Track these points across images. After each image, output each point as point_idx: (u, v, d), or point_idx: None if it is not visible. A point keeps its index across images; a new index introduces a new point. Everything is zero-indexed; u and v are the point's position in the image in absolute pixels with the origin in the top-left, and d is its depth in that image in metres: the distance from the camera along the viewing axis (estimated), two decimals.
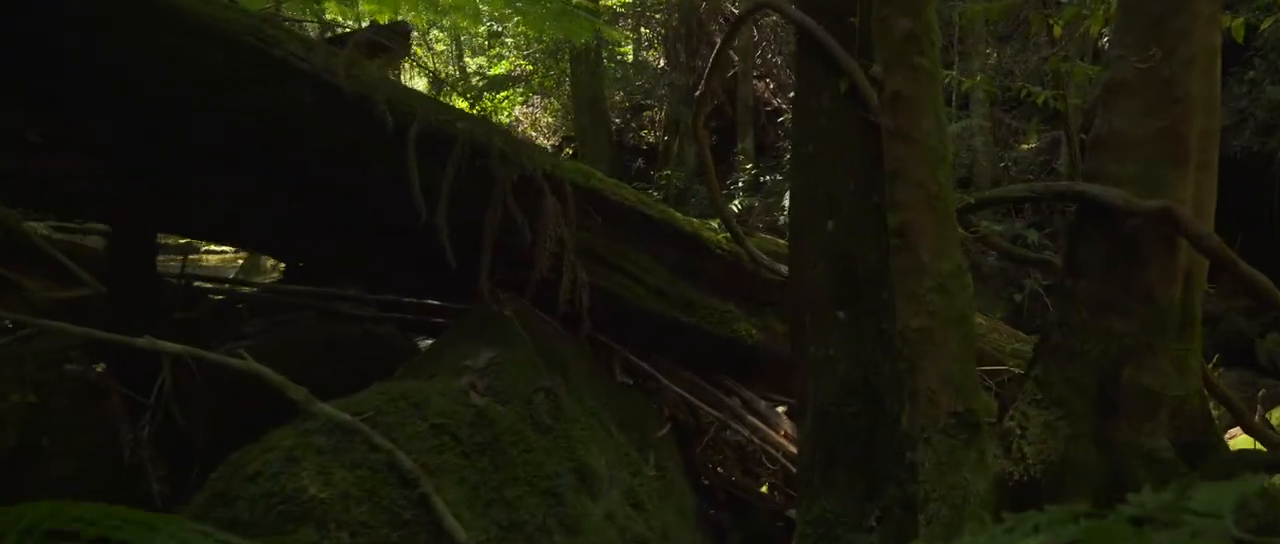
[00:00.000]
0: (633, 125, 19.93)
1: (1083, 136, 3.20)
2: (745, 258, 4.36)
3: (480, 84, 20.26)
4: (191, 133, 3.17)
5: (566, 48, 17.46)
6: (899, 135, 1.90)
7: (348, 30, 4.63)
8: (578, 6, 5.56)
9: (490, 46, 22.17)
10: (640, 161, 19.04)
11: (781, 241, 5.75)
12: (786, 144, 15.58)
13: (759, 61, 16.60)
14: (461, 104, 19.29)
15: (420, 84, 24.74)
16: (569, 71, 17.62)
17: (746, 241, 4.41)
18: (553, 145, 21.55)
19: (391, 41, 4.36)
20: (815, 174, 3.24)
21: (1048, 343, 2.85)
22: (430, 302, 4.33)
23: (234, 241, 4.41)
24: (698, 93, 4.08)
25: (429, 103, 3.46)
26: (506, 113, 19.43)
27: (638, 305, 3.96)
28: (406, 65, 26.16)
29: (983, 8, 5.00)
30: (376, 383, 2.88)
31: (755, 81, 16.32)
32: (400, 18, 4.93)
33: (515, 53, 21.00)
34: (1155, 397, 2.71)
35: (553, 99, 20.98)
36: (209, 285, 4.24)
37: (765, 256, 4.39)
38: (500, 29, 20.65)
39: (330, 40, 3.72)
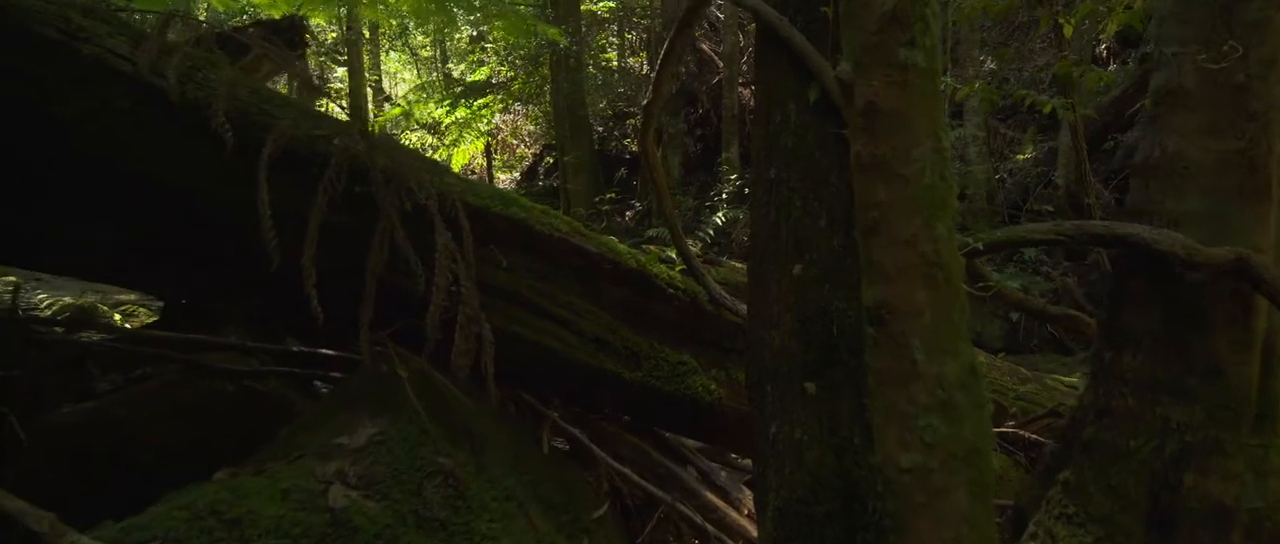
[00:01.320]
0: (615, 134, 19.36)
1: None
2: (704, 297, 3.66)
3: (459, 90, 19.63)
4: None
5: (547, 54, 16.90)
6: (877, 168, 1.22)
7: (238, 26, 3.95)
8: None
9: (472, 52, 21.57)
10: (623, 171, 18.44)
11: None
12: None
13: (745, 67, 15.99)
14: (440, 111, 18.68)
15: (403, 88, 24.04)
16: (550, 78, 17.02)
17: (705, 277, 3.72)
18: (534, 154, 20.95)
19: (277, 42, 3.67)
20: (779, 205, 2.54)
21: (1080, 436, 2.15)
22: (328, 351, 3.62)
23: (58, 270, 3.70)
24: (646, 100, 3.38)
25: (299, 113, 2.76)
26: (486, 120, 18.83)
27: (570, 358, 3.26)
28: (393, 69, 25.38)
29: (981, 2, 4.32)
30: (176, 494, 2.17)
31: (741, 88, 15.71)
32: (297, 14, 4.25)
33: (495, 59, 20.43)
34: (1226, 511, 2.03)
35: (534, 107, 20.40)
36: (58, 331, 3.54)
37: (728, 297, 3.70)
38: (480, 32, 20.08)
39: (211, 38, 3.01)
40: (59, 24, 2.48)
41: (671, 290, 3.52)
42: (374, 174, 2.72)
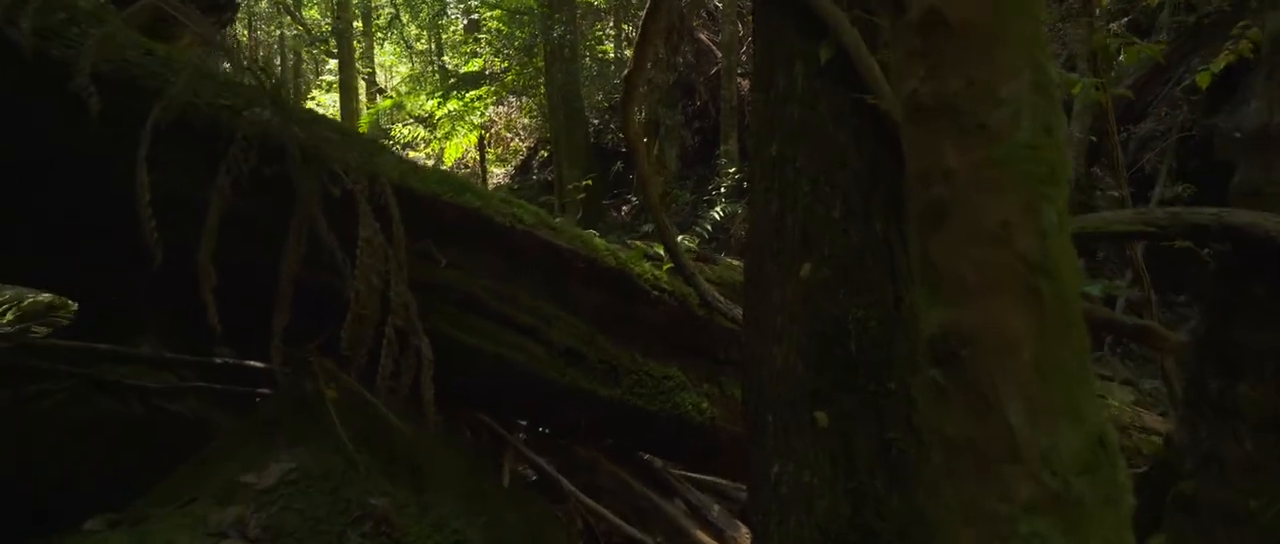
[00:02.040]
0: (612, 126, 18.87)
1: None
2: (694, 300, 3.16)
3: (452, 82, 19.17)
4: None
5: (541, 44, 16.46)
6: (943, 114, 0.74)
7: None
8: None
9: (465, 42, 21.09)
10: (619, 164, 17.94)
11: None
12: None
13: (744, 57, 15.48)
14: (432, 103, 18.21)
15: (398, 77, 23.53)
16: (544, 70, 16.54)
17: (697, 277, 3.22)
18: (529, 148, 20.49)
19: (205, 3, 3.18)
20: (783, 191, 2.04)
21: (1175, 489, 1.65)
22: (260, 364, 3.12)
23: None
24: (627, 72, 2.88)
25: (201, 79, 2.26)
26: (480, 113, 18.39)
27: (537, 373, 2.76)
28: (388, 62, 24.88)
29: None
30: None
31: (740, 79, 15.20)
32: None
33: (488, 50, 19.99)
34: None
35: (529, 99, 19.95)
36: None
37: (723, 300, 3.20)
38: (473, 21, 19.60)
39: None
40: None
41: (657, 293, 3.03)
42: (290, 151, 2.22)
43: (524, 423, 3.08)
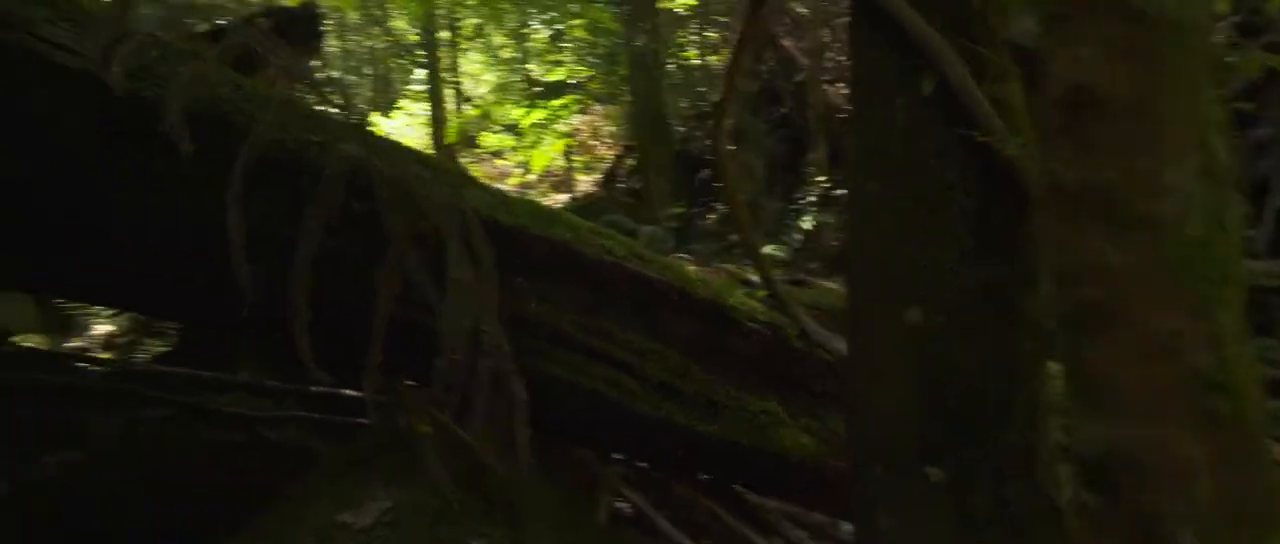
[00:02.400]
0: (697, 134, 18.78)
1: None
2: (791, 330, 3.07)
3: (537, 91, 19.32)
4: None
5: (625, 52, 16.47)
6: (1097, 205, 0.65)
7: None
8: None
9: (549, 51, 21.23)
10: (705, 173, 17.82)
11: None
12: None
13: (831, 63, 15.26)
14: (518, 112, 18.38)
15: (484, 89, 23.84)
16: (628, 77, 16.54)
17: (793, 306, 3.13)
18: (615, 156, 20.52)
19: (292, 33, 3.21)
20: (885, 231, 1.95)
21: None
22: (355, 392, 3.13)
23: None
24: (717, 99, 2.81)
25: (289, 114, 2.26)
26: (565, 121, 18.50)
27: (631, 408, 2.70)
28: (475, 71, 25.22)
29: None
30: None
31: (826, 85, 14.98)
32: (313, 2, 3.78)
33: (572, 58, 20.10)
34: None
35: (613, 107, 19.99)
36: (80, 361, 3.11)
37: (820, 329, 3.10)
38: (558, 30, 19.72)
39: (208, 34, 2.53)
40: None
41: (752, 324, 2.94)
42: (378, 189, 2.20)
43: (618, 457, 3.03)
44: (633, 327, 2.74)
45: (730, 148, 16.03)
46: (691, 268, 3.08)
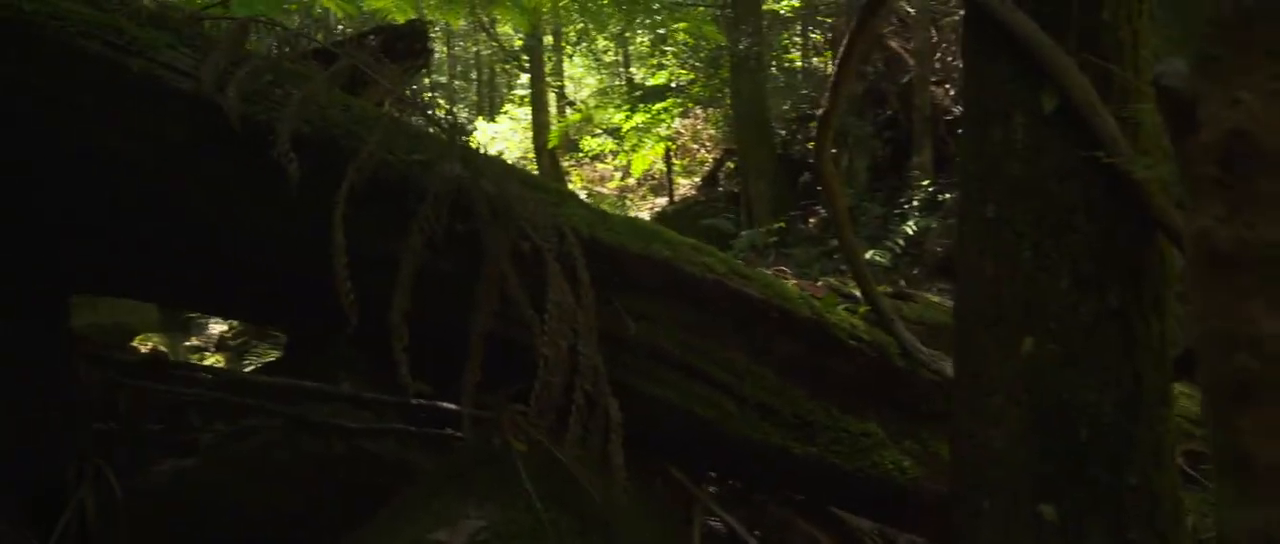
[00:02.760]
0: (799, 137, 18.59)
1: None
2: (894, 350, 2.98)
3: (638, 95, 19.38)
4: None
5: (727, 55, 16.38)
6: (1252, 265, 0.59)
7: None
8: None
9: (652, 55, 21.27)
10: (807, 176, 17.62)
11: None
12: None
13: (938, 64, 14.92)
14: (620, 116, 18.46)
15: (586, 93, 24.03)
16: (730, 80, 16.44)
17: (896, 324, 3.03)
18: (715, 159, 20.47)
19: (399, 50, 3.24)
20: (999, 255, 1.86)
21: None
22: (452, 406, 3.15)
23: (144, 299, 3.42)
24: (821, 112, 2.74)
25: (392, 133, 2.27)
26: (666, 125, 18.50)
27: (728, 429, 2.66)
28: (578, 75, 25.44)
29: None
30: None
31: (933, 87, 14.66)
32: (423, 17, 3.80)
33: (674, 61, 20.09)
34: None
35: (714, 110, 19.92)
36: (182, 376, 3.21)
37: (924, 349, 3.00)
38: (660, 34, 19.76)
39: (316, 53, 2.59)
40: (108, 36, 2.07)
41: (854, 343, 2.86)
42: (479, 208, 2.20)
43: (713, 475, 2.98)
44: (732, 345, 2.69)
45: (833, 152, 15.81)
46: (793, 283, 3.00)
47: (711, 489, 2.93)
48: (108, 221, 2.24)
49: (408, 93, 2.25)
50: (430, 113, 2.21)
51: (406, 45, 3.48)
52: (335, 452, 2.92)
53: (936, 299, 4.33)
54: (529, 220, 2.19)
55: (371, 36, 3.43)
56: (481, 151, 2.34)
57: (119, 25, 2.11)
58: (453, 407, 3.06)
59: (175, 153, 2.15)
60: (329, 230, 2.07)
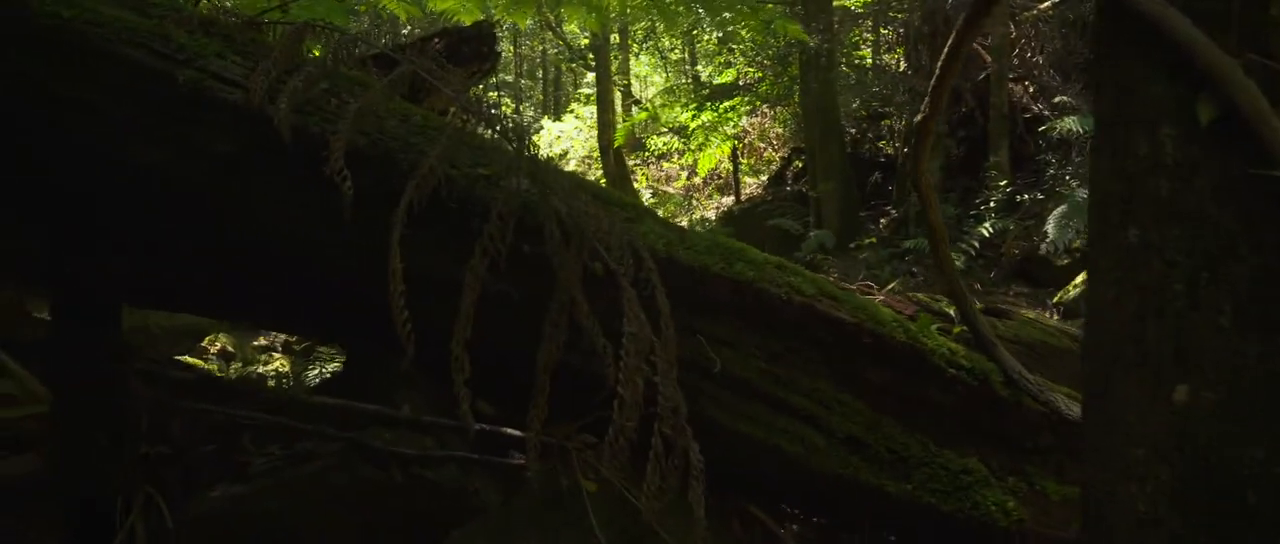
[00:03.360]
0: (869, 136, 18.25)
1: None
2: (996, 378, 2.72)
3: (705, 93, 19.18)
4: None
5: (796, 54, 16.11)
6: None
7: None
8: None
9: (719, 53, 21.06)
10: (877, 175, 17.32)
11: (1051, 324, 4.01)
12: (1049, 156, 13.41)
13: (1016, 61, 14.48)
14: (686, 115, 18.27)
15: (652, 92, 23.84)
16: (799, 78, 16.15)
17: (998, 349, 2.78)
18: (782, 158, 20.20)
19: (465, 53, 3.06)
20: (1144, 288, 1.61)
21: None
22: (516, 432, 2.96)
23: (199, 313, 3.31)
24: (919, 117, 2.50)
25: (454, 146, 2.09)
26: (733, 123, 18.29)
27: (814, 466, 2.43)
28: (644, 73, 25.24)
29: None
30: None
31: (1011, 84, 14.22)
32: (490, 18, 3.63)
33: (742, 60, 19.87)
34: None
35: (782, 108, 19.64)
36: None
37: (1028, 376, 2.74)
38: (727, 32, 19.54)
39: (375, 58, 2.42)
40: (154, 44, 1.92)
41: (953, 371, 2.61)
42: (548, 228, 2.00)
43: (796, 514, 2.75)
44: (820, 374, 2.47)
45: (905, 150, 15.42)
46: (883, 306, 2.76)
47: (794, 527, 2.70)
48: (149, 236, 2.10)
49: (473, 99, 2.05)
50: (496, 122, 2.00)
51: (473, 48, 3.31)
52: (394, 480, 2.75)
53: (1031, 315, 4.05)
54: (602, 240, 1.99)
55: (436, 40, 3.27)
56: (551, 164, 2.14)
57: (166, 32, 1.96)
58: (517, 432, 2.88)
59: (223, 167, 1.99)
60: (386, 251, 1.89)
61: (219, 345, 6.04)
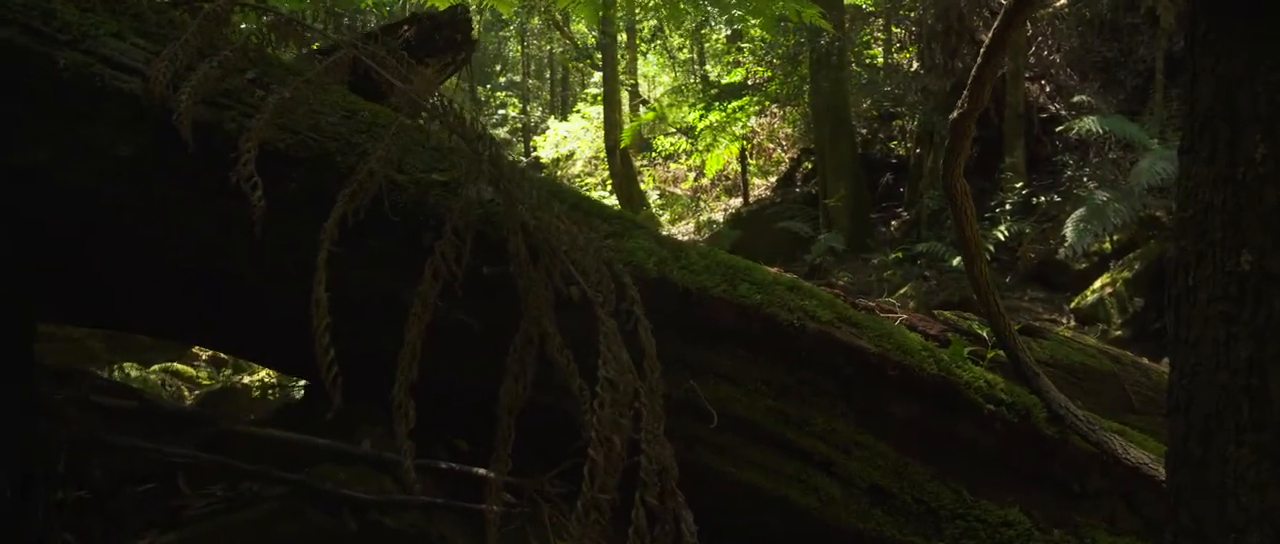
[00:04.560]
0: (880, 136, 17.91)
1: None
2: (1040, 414, 2.36)
3: (713, 93, 18.86)
4: None
5: (807, 52, 15.79)
6: None
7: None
8: None
9: (728, 52, 20.74)
10: (888, 177, 16.99)
11: (1090, 343, 3.65)
12: (1067, 157, 13.04)
13: (1033, 59, 14.11)
14: (694, 115, 17.94)
15: (661, 92, 23.47)
16: (809, 77, 15.81)
17: (1041, 379, 2.42)
18: (791, 159, 19.85)
19: (438, 42, 2.72)
20: (1260, 331, 1.26)
21: None
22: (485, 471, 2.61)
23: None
24: (956, 114, 2.14)
25: (410, 146, 1.75)
26: (741, 123, 17.97)
27: (830, 519, 2.08)
28: (652, 73, 24.89)
29: None
30: None
31: (1028, 83, 13.85)
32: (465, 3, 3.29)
33: (751, 59, 19.55)
34: None
35: (792, 109, 19.30)
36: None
37: (1077, 410, 2.38)
38: (736, 30, 19.20)
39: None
40: (29, 19, 1.58)
41: (991, 407, 2.26)
42: (513, 244, 1.65)
43: None
44: (838, 412, 2.12)
45: (917, 151, 15.06)
46: (908, 328, 2.41)
47: None
48: (46, 249, 1.75)
49: (427, 92, 1.70)
50: (448, 117, 1.65)
51: (446, 36, 2.96)
52: (346, 529, 2.41)
53: (1068, 333, 3.70)
54: (577, 259, 1.64)
55: (406, 27, 2.93)
56: (520, 168, 1.80)
57: (48, 7, 1.62)
58: (483, 472, 2.53)
59: (126, 172, 1.65)
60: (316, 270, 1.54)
61: (207, 354, 5.70)
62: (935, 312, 3.16)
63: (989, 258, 12.36)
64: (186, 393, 5.27)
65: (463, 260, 1.65)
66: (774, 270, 2.23)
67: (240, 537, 2.41)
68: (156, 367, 5.42)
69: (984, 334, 2.85)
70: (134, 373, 5.00)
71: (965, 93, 2.13)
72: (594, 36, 22.29)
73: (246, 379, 5.50)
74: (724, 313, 1.98)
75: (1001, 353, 2.58)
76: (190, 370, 5.62)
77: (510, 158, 1.79)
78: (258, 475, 2.48)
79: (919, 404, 2.21)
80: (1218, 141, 1.33)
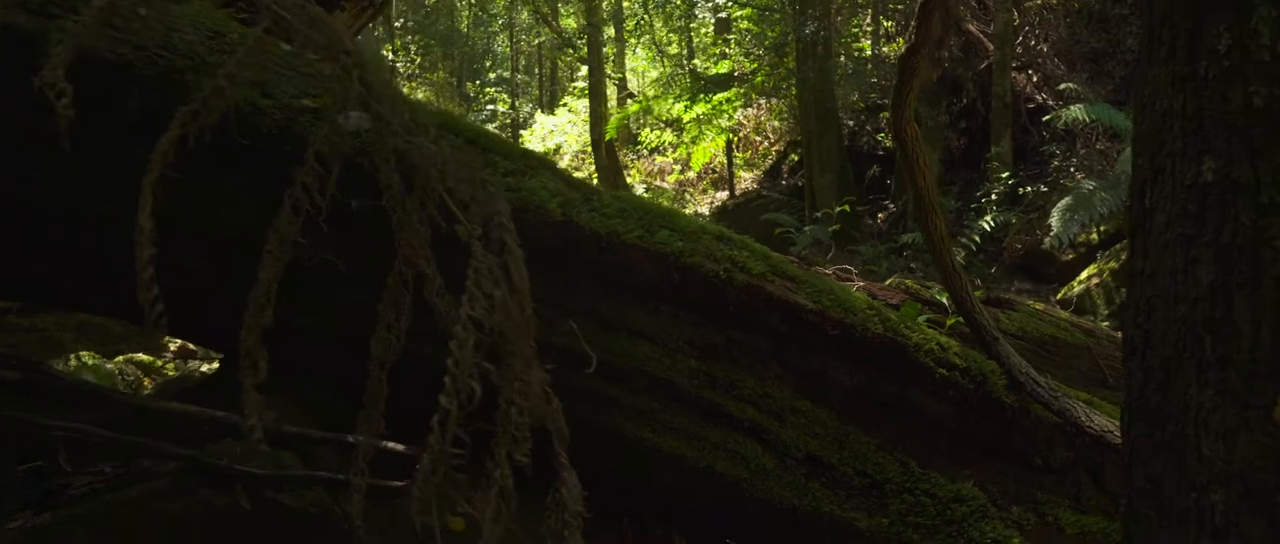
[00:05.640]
0: (867, 128, 17.73)
1: None
2: (998, 380, 2.17)
3: (700, 85, 18.71)
4: None
5: (793, 44, 15.65)
6: None
7: None
8: None
9: (715, 44, 20.56)
10: (875, 169, 16.82)
11: (1063, 317, 3.46)
12: (1053, 147, 12.88)
13: (1020, 49, 13.94)
14: (680, 107, 17.77)
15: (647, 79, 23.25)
16: (795, 69, 15.65)
17: (1001, 345, 2.23)
18: (778, 151, 19.68)
19: None
20: (1226, 248, 1.06)
21: None
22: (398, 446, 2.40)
23: None
24: (904, 49, 1.95)
25: (272, 69, 1.54)
26: (728, 116, 17.84)
27: (761, 493, 1.88)
28: (640, 67, 24.70)
29: None
30: None
31: (1015, 74, 13.67)
32: None
33: (737, 50, 19.42)
34: None
35: (778, 101, 19.16)
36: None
37: (1037, 377, 2.19)
38: (722, 20, 19.03)
39: None
40: None
41: (944, 371, 2.06)
42: (384, 174, 1.45)
43: None
44: (771, 375, 1.92)
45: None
46: (860, 295, 2.21)
47: None
48: None
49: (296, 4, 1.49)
50: (315, 31, 1.45)
51: None
52: (239, 506, 2.20)
53: (1040, 306, 3.50)
54: (457, 195, 1.43)
55: None
56: (400, 93, 1.60)
57: None
58: (401, 446, 2.32)
59: None
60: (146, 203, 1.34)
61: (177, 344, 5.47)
62: (899, 282, 2.96)
63: (975, 249, 12.20)
64: (147, 383, 5.04)
65: (327, 192, 1.44)
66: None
67: (121, 517, 2.22)
68: (120, 357, 5.18)
69: (945, 301, 2.66)
70: (90, 361, 4.78)
71: (912, 24, 1.94)
72: (579, 25, 22.13)
73: (205, 367, 5.28)
74: (640, 261, 1.78)
75: (962, 319, 2.39)
76: (155, 361, 5.39)
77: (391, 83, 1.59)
78: (148, 450, 2.28)
79: (863, 367, 2.01)
80: (1177, 36, 1.13)
